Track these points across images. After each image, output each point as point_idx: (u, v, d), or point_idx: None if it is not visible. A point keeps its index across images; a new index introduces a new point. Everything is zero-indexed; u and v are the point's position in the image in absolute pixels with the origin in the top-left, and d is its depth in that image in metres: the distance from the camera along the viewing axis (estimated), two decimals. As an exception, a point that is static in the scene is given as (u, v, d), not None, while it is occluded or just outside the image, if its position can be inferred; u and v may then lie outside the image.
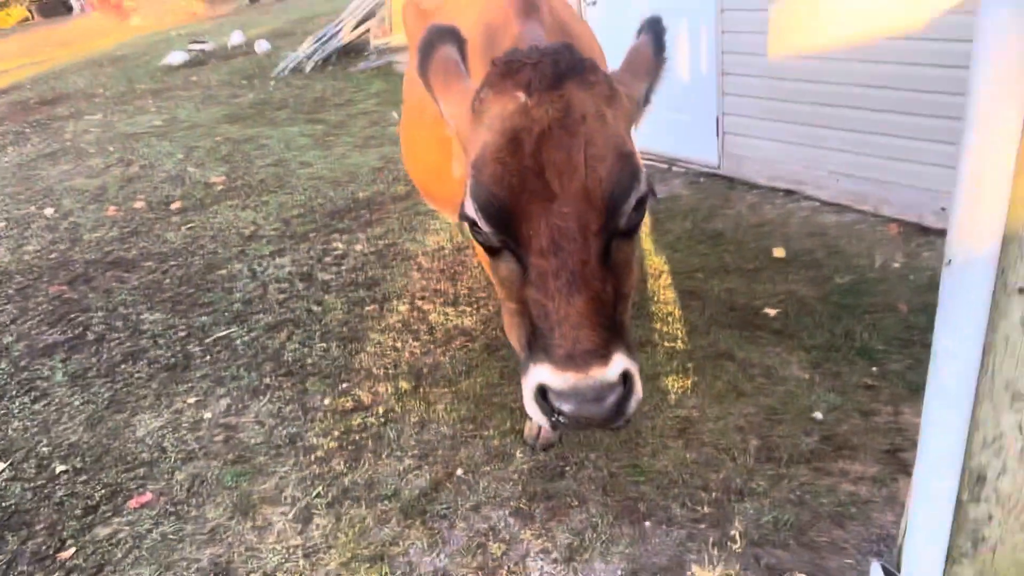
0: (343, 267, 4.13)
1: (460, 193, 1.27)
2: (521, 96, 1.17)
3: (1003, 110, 0.98)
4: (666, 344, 3.02)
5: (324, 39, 9.75)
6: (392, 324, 3.47)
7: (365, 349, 3.30)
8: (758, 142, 4.12)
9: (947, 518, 1.31)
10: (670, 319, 3.18)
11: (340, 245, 4.41)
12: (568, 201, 1.12)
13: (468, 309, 3.50)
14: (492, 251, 1.25)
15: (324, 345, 3.38)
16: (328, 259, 4.26)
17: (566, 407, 1.11)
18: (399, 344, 3.30)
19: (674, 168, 4.68)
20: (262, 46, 10.83)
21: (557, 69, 1.18)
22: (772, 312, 3.13)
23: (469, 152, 1.26)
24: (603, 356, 1.11)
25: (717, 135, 4.32)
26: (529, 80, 1.17)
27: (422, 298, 3.67)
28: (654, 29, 1.48)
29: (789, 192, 4.11)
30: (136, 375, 3.40)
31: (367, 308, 3.65)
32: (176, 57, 11.47)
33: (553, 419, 1.14)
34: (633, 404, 1.16)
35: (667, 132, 4.64)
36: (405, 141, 2.77)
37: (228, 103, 8.51)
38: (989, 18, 0.92)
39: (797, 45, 3.70)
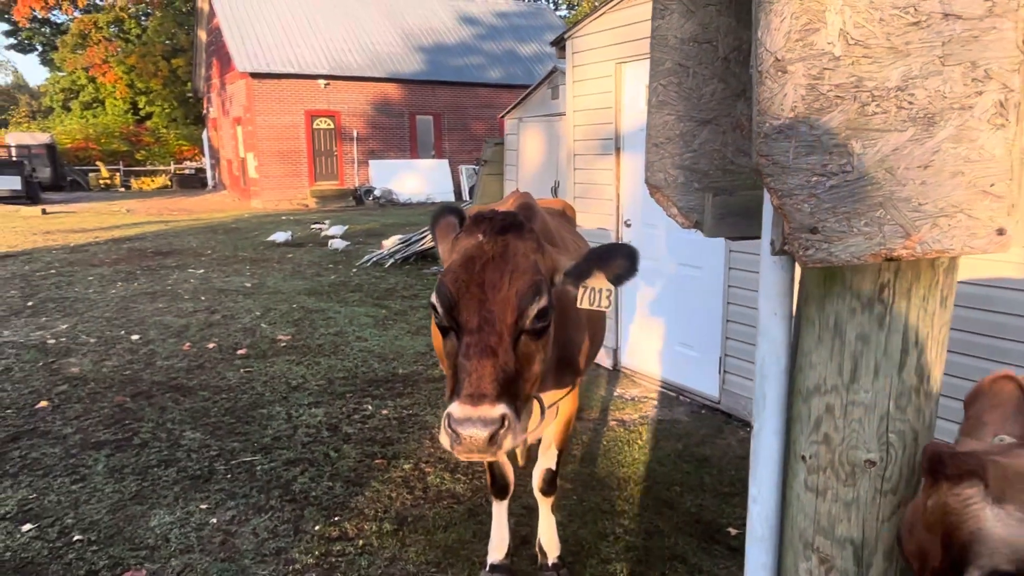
0: (367, 425, 4.62)
1: None
2: (479, 236, 1.81)
3: (775, 326, 1.48)
4: (628, 539, 3.29)
5: (409, 242, 11.10)
6: (393, 477, 3.86)
7: (363, 493, 3.68)
8: (753, 385, 4.57)
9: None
10: (638, 519, 3.47)
11: (370, 407, 4.93)
12: (493, 303, 1.70)
13: (463, 478, 3.87)
14: (443, 331, 1.82)
15: (330, 484, 3.78)
16: (356, 416, 4.76)
17: (458, 429, 1.60)
18: (394, 494, 3.67)
19: (680, 397, 5.13)
20: (337, 244, 12.38)
21: (504, 224, 1.83)
22: (734, 531, 3.38)
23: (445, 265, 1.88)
24: (492, 402, 1.61)
25: (719, 373, 4.81)
26: (485, 228, 1.82)
27: (426, 462, 4.08)
28: (620, 252, 1.94)
29: (777, 434, 4.46)
30: (164, 478, 3.85)
31: (376, 461, 4.07)
32: (280, 236, 13.09)
33: (452, 439, 1.62)
34: (505, 439, 1.62)
35: (678, 364, 5.18)
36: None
37: (311, 280, 9.63)
38: (765, 266, 1.47)
39: (789, 306, 4.30)
